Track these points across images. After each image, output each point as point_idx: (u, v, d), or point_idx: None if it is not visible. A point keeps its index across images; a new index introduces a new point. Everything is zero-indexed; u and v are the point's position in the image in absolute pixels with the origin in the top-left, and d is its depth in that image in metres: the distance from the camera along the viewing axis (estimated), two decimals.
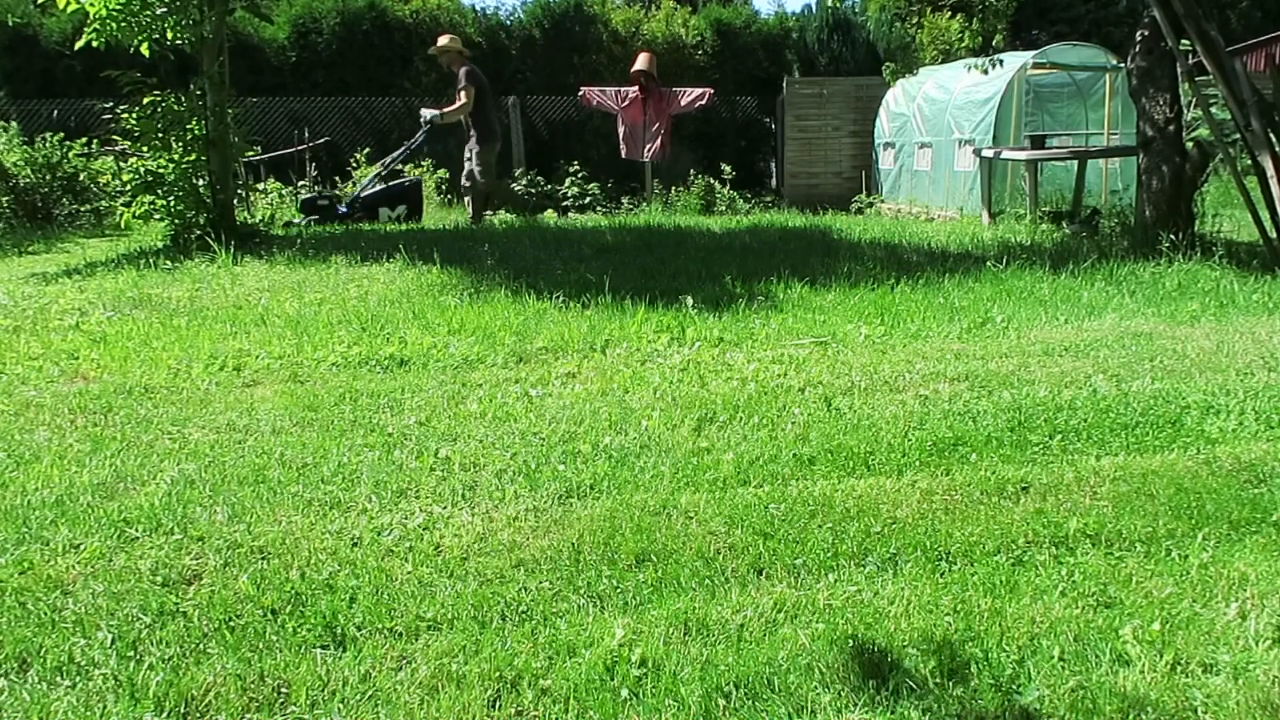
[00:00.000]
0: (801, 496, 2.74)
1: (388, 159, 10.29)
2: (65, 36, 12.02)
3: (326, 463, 3.04)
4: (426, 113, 9.55)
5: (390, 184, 10.10)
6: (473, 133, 9.56)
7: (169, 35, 7.36)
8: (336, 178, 12.08)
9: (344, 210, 9.64)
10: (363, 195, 9.79)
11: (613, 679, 1.91)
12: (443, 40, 9.72)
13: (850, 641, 2.02)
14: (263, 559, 2.41)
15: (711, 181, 13.15)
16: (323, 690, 1.89)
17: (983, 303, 5.37)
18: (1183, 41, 6.60)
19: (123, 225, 8.21)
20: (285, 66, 13.46)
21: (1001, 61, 9.43)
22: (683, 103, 13.06)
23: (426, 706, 1.85)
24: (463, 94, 9.31)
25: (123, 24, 7.11)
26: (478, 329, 4.80)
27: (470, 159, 9.66)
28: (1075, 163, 9.83)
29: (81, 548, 2.47)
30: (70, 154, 10.67)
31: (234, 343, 4.61)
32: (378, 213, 9.73)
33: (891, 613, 2.14)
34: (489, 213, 10.19)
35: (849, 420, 3.40)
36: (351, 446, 3.18)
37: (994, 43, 9.53)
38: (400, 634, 2.09)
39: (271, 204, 10.61)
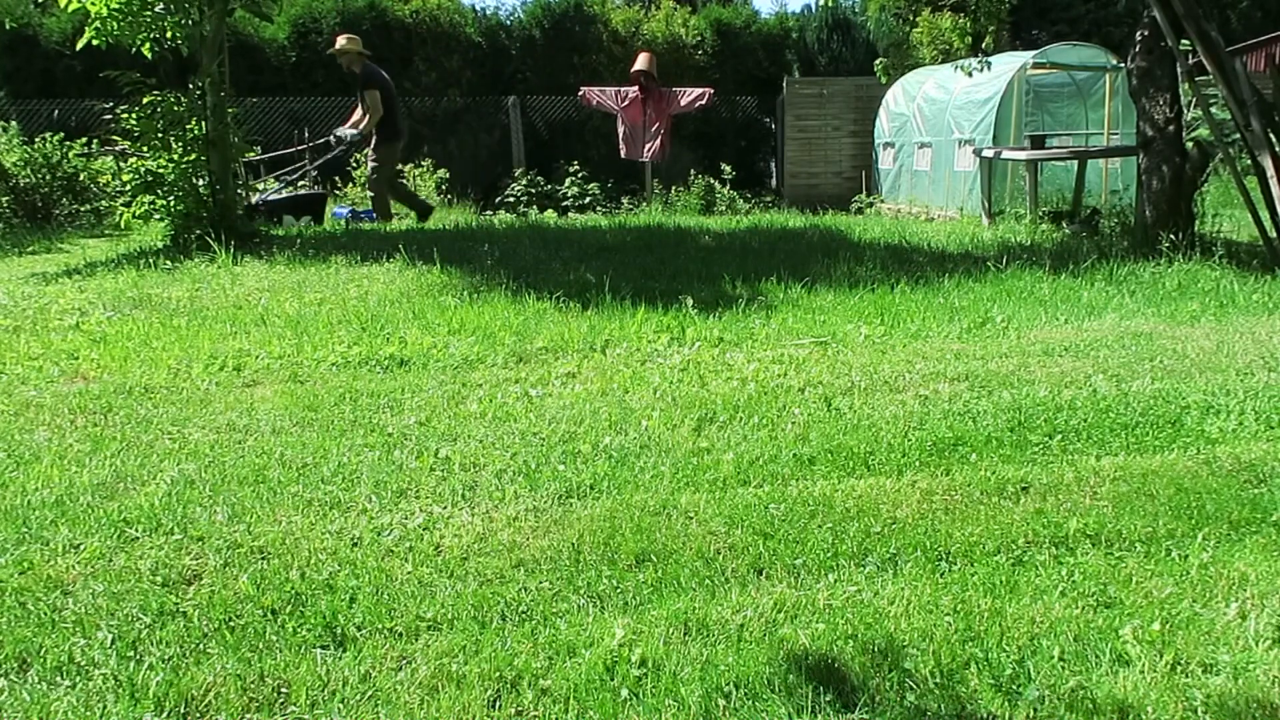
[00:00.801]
0: (801, 496, 2.74)
1: (301, 170, 10.25)
2: (65, 36, 12.03)
3: (326, 463, 3.04)
4: (342, 132, 9.49)
5: (298, 193, 10.09)
6: (374, 132, 9.44)
7: (169, 35, 7.37)
8: (336, 178, 12.08)
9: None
10: (268, 199, 9.70)
11: (613, 679, 1.91)
12: (341, 41, 9.48)
13: (850, 642, 2.02)
14: (263, 559, 2.41)
15: (711, 181, 13.15)
16: (323, 690, 1.89)
17: (983, 303, 5.37)
18: (1183, 41, 6.60)
19: (123, 225, 8.21)
20: (285, 66, 13.46)
21: (989, 64, 9.41)
22: (683, 103, 13.06)
23: (426, 706, 1.85)
24: (366, 98, 9.24)
25: (123, 23, 7.13)
26: (478, 329, 4.80)
27: (372, 156, 9.59)
28: (1075, 163, 9.83)
29: (81, 548, 2.47)
30: (70, 154, 10.66)
31: (234, 343, 4.61)
32: (281, 218, 9.66)
33: (891, 613, 2.14)
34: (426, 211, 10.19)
35: (849, 420, 3.40)
36: (351, 446, 3.18)
37: (984, 44, 9.50)
38: (400, 634, 2.09)
39: None
